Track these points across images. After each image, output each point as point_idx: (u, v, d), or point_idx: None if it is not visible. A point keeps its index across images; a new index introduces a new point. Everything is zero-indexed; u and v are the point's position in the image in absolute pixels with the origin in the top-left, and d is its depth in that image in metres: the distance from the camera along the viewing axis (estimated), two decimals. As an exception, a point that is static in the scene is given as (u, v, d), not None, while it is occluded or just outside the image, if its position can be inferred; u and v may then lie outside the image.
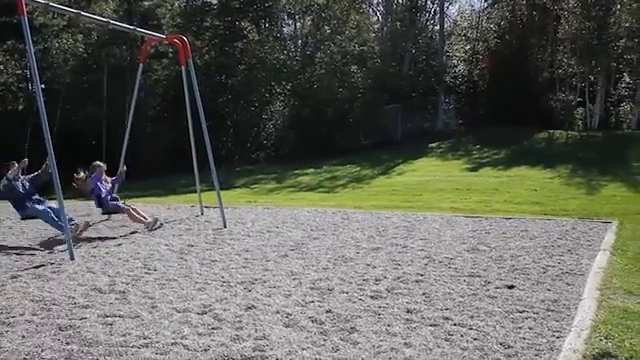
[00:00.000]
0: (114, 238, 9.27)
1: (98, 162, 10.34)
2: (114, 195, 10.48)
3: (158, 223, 10.23)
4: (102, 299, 5.72)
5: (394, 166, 24.43)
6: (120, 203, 10.28)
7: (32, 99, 25.21)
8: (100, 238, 9.31)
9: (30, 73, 25.06)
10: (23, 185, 9.31)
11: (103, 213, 10.52)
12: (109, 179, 10.43)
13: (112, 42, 27.92)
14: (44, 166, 9.35)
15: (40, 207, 9.17)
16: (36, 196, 9.35)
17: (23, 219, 9.47)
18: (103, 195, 10.01)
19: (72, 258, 7.55)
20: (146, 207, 13.14)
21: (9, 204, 9.44)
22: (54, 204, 9.14)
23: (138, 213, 10.18)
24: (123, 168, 11.13)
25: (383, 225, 10.44)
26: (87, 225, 9.80)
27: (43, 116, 7.92)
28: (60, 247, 8.34)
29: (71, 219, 9.22)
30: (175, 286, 6.22)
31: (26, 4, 8.11)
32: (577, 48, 32.10)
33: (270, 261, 7.49)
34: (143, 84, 11.06)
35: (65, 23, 26.91)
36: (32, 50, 8.25)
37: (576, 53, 32.36)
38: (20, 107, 29.12)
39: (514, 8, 35.86)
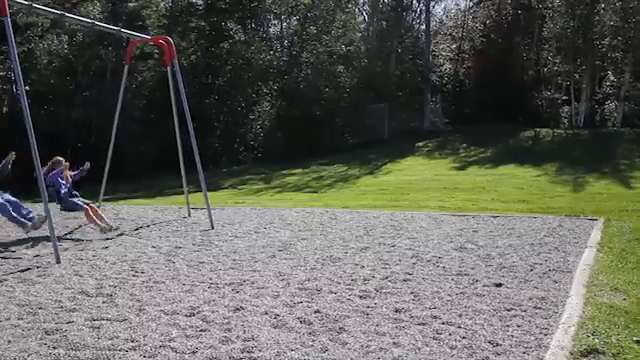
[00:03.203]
0: (101, 240, 9.20)
1: (59, 158, 10.18)
2: (74, 192, 10.29)
3: (113, 231, 9.84)
4: (89, 302, 5.68)
5: (381, 165, 24.48)
6: (79, 200, 10.08)
7: (17, 101, 25.01)
8: (86, 240, 9.25)
9: (14, 75, 24.86)
10: None
11: (61, 210, 10.31)
12: (70, 174, 10.28)
13: (97, 43, 27.74)
14: (4, 161, 9.29)
15: None
16: None
17: None
18: (62, 191, 9.87)
19: (58, 261, 7.49)
20: (133, 209, 13.10)
21: None
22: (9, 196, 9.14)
23: (96, 214, 9.98)
24: (86, 165, 10.77)
25: (371, 225, 10.45)
26: (41, 222, 9.24)
27: (27, 118, 7.84)
28: (46, 250, 8.26)
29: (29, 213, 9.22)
30: (163, 288, 6.18)
31: (9, 5, 8.04)
32: (562, 47, 32.34)
33: (258, 262, 7.47)
34: (129, 85, 10.95)
35: (49, 25, 26.72)
36: (15, 51, 8.18)
37: (561, 52, 32.60)
38: (4, 109, 28.90)
39: (499, 7, 36.10)
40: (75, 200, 10.09)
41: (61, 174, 9.98)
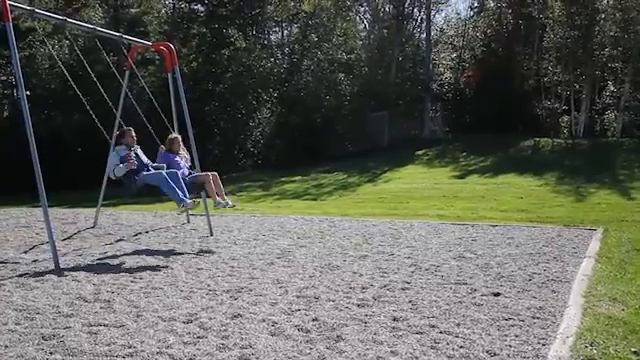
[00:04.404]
0: (99, 246, 9.19)
1: (174, 135, 9.93)
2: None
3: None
4: (87, 308, 5.67)
5: (381, 173, 24.50)
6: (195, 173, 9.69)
7: (17, 106, 25.04)
8: (85, 246, 9.25)
9: (15, 79, 24.89)
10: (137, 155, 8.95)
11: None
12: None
13: (99, 49, 27.74)
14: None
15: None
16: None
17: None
18: (181, 171, 9.27)
19: (56, 266, 7.49)
20: (132, 214, 13.10)
21: None
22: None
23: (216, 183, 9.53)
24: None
25: (370, 233, 10.44)
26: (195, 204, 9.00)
27: (28, 122, 7.85)
28: (45, 255, 8.26)
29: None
30: (160, 295, 6.17)
31: (11, 10, 8.07)
32: (562, 56, 32.42)
33: (256, 269, 7.47)
34: (129, 91, 10.98)
35: (50, 30, 26.75)
36: (17, 56, 8.20)
37: (561, 61, 32.68)
38: (5, 114, 28.90)
39: (500, 17, 36.25)
40: (194, 173, 9.68)
41: (177, 153, 9.64)
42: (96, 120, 9.63)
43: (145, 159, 9.14)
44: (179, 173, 9.06)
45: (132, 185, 8.88)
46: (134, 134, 9.24)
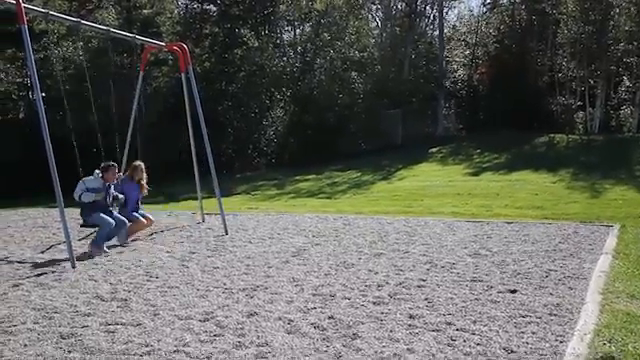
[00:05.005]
0: (116, 245, 9.24)
1: (136, 162, 10.02)
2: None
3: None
4: (104, 307, 5.71)
5: (395, 171, 24.45)
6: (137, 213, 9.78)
7: (32, 107, 25.24)
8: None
9: (30, 81, 25.12)
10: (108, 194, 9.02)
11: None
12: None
13: (112, 50, 27.92)
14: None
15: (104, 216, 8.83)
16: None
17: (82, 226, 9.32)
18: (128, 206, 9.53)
19: (73, 266, 7.55)
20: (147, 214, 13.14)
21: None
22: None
23: (139, 229, 9.81)
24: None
25: (384, 230, 10.43)
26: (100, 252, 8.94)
27: (44, 124, 7.92)
28: (62, 255, 8.32)
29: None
30: (177, 293, 6.21)
31: (26, 13, 8.14)
32: (576, 52, 32.15)
33: (272, 267, 7.48)
34: (143, 92, 11.03)
35: (65, 32, 26.95)
36: (32, 58, 8.26)
37: (575, 57, 32.41)
38: (21, 115, 29.16)
39: (513, 13, 36.01)
40: (141, 209, 9.95)
41: (138, 182, 9.81)
42: (70, 134, 9.65)
43: (111, 198, 9.11)
44: (126, 222, 9.24)
45: (88, 217, 8.97)
46: (116, 172, 9.33)
